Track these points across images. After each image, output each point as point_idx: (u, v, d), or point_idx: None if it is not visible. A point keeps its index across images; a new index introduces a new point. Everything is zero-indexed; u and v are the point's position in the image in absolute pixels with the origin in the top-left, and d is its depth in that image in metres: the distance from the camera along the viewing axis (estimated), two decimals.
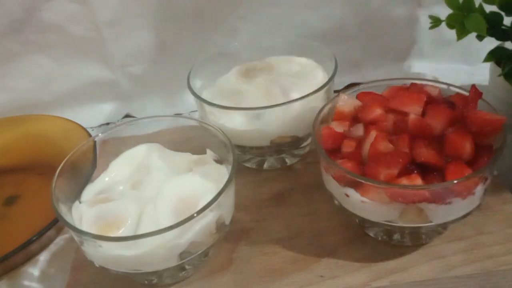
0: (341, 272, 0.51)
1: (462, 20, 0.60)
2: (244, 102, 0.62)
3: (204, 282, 0.52)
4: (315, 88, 0.60)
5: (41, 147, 0.73)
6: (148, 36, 0.79)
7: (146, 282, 0.52)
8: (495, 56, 0.63)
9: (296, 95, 0.59)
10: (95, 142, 0.59)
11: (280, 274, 0.52)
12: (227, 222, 0.52)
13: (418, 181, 0.46)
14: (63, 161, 0.53)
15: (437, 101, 0.52)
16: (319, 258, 0.53)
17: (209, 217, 0.48)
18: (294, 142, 0.63)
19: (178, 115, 0.81)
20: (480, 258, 0.50)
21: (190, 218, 0.45)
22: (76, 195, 0.53)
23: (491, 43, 0.64)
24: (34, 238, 0.57)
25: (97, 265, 0.49)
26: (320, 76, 0.65)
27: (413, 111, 0.50)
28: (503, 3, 0.61)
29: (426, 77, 0.81)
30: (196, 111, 0.66)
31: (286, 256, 0.53)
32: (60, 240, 0.62)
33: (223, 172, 0.53)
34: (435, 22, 0.64)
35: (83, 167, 0.57)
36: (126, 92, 0.83)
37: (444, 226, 0.51)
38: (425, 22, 0.66)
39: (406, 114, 0.50)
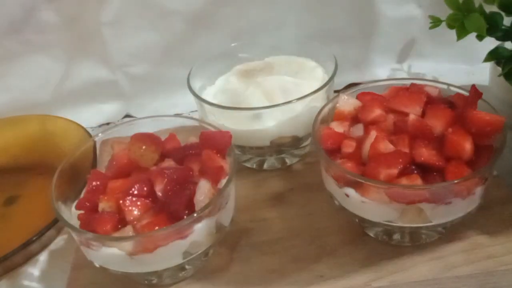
0: (341, 272, 0.51)
1: (462, 20, 0.60)
2: (244, 102, 0.62)
3: (204, 282, 0.52)
4: (315, 88, 0.60)
5: (41, 147, 0.73)
6: (148, 36, 0.79)
7: (146, 282, 0.52)
8: (495, 56, 0.63)
9: (296, 95, 0.59)
10: (95, 142, 0.59)
11: (280, 274, 0.52)
12: (227, 222, 0.52)
13: (418, 181, 0.46)
14: (63, 161, 0.53)
15: (437, 101, 0.52)
16: (319, 258, 0.53)
17: (209, 217, 0.48)
18: (294, 142, 0.63)
19: (178, 115, 0.81)
20: (480, 258, 0.50)
21: (190, 218, 0.46)
22: (76, 195, 0.53)
23: (491, 43, 0.64)
24: (34, 238, 0.57)
25: (97, 265, 0.49)
26: (320, 76, 0.65)
27: (413, 111, 0.50)
28: (503, 3, 0.61)
29: (426, 77, 0.81)
30: (196, 111, 0.66)
31: (286, 256, 0.53)
32: (60, 240, 0.62)
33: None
34: (435, 22, 0.64)
35: (83, 167, 0.57)
36: (126, 92, 0.83)
37: (444, 226, 0.51)
38: (425, 22, 0.66)
39: (406, 114, 0.50)
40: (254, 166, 0.66)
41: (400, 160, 0.47)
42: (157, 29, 0.78)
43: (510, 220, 0.54)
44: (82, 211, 0.49)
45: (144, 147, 0.51)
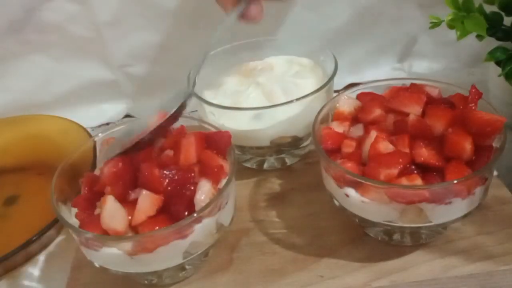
0: (341, 272, 0.51)
1: (462, 20, 0.60)
2: (244, 102, 0.62)
3: (204, 282, 0.52)
4: (315, 88, 0.60)
5: (41, 147, 0.73)
6: (148, 36, 0.79)
7: (146, 282, 0.52)
8: (495, 56, 0.63)
9: (296, 95, 0.59)
10: (95, 142, 0.59)
11: (280, 274, 0.52)
12: (227, 222, 0.52)
13: (418, 181, 0.46)
14: (63, 161, 0.53)
15: (437, 101, 0.52)
16: (319, 258, 0.53)
17: (209, 217, 0.48)
18: (294, 142, 0.63)
19: None
20: (480, 258, 0.50)
21: (190, 218, 0.45)
22: (76, 195, 0.53)
23: (491, 43, 0.64)
24: (34, 238, 0.57)
25: (97, 265, 0.49)
26: (320, 76, 0.65)
27: (413, 111, 0.50)
28: (503, 3, 0.61)
29: (426, 77, 0.81)
30: (196, 111, 0.66)
31: (286, 256, 0.53)
32: (60, 240, 0.62)
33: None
34: (435, 22, 0.64)
35: (83, 167, 0.57)
36: (126, 92, 0.83)
37: (444, 226, 0.51)
38: (425, 22, 0.66)
39: (406, 114, 0.50)
40: (254, 166, 0.66)
41: (400, 160, 0.47)
42: (156, 29, 0.78)
43: (510, 220, 0.54)
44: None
45: None
